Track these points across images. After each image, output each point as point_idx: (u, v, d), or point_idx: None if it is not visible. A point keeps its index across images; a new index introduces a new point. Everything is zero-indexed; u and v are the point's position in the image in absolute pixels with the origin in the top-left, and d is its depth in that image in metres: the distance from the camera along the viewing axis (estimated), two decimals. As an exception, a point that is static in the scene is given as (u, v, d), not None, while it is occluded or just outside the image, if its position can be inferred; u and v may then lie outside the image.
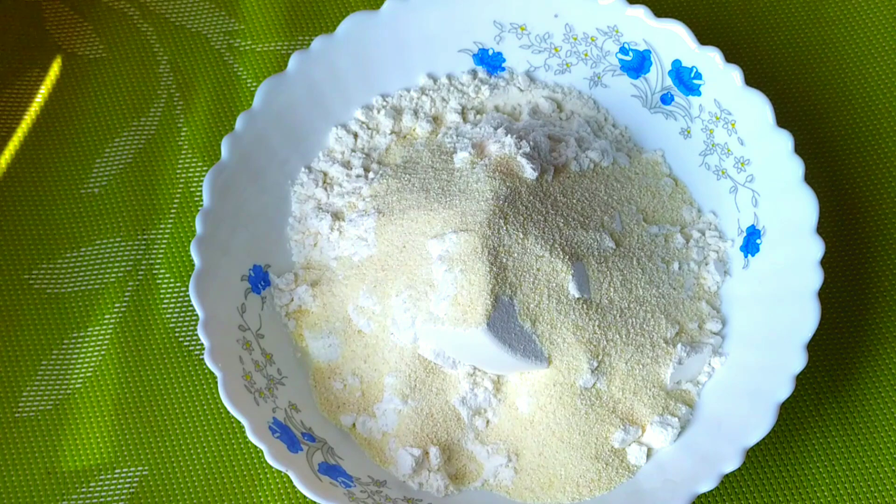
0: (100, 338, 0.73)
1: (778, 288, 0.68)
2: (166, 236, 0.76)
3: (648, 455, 0.67)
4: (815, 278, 0.67)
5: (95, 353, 0.72)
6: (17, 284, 0.74)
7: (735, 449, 0.63)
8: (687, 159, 0.74)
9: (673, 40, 0.74)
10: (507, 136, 0.70)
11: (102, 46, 0.82)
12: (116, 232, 0.76)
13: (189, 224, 0.76)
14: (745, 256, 0.71)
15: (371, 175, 0.73)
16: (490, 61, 0.77)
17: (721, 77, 0.73)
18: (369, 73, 0.76)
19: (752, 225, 0.71)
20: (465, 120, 0.76)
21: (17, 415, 0.71)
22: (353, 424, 0.68)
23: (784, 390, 0.64)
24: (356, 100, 0.76)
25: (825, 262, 0.67)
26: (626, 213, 0.71)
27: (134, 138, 0.79)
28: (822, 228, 0.70)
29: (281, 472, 0.68)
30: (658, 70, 0.75)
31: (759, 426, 0.63)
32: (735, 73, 0.72)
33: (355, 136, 0.75)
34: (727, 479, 0.69)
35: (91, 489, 0.69)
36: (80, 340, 0.73)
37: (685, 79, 0.74)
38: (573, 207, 0.69)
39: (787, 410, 0.70)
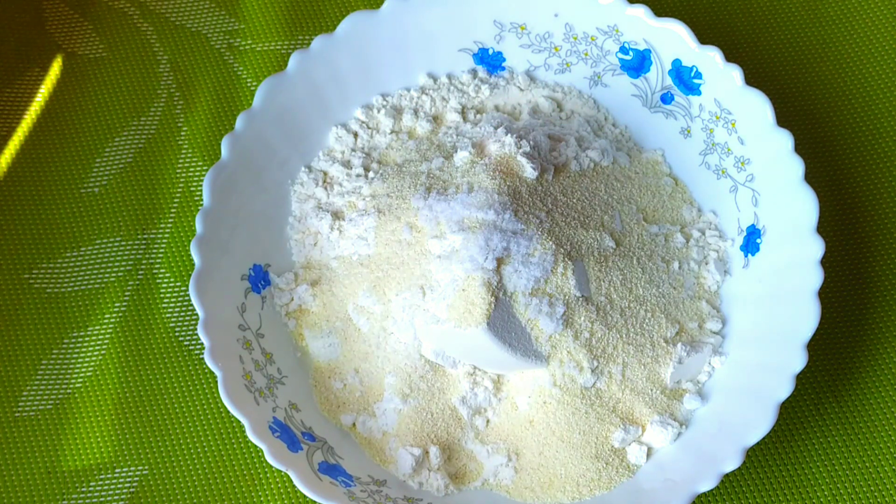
0: (100, 338, 0.73)
1: (778, 287, 0.68)
2: (166, 236, 0.76)
3: (648, 454, 0.67)
4: (815, 278, 0.66)
5: (95, 353, 0.72)
6: (17, 284, 0.74)
7: (735, 449, 0.63)
8: (687, 159, 0.74)
9: (673, 40, 0.74)
10: (507, 135, 0.70)
11: (102, 46, 0.82)
12: (116, 232, 0.76)
13: (189, 224, 0.76)
14: (746, 256, 0.71)
15: (371, 174, 0.73)
16: (490, 61, 0.77)
17: (721, 76, 0.73)
18: (369, 73, 0.76)
19: (753, 224, 0.71)
20: (465, 119, 0.76)
21: (17, 415, 0.71)
22: (354, 424, 0.68)
23: (784, 390, 0.64)
24: (356, 99, 0.76)
25: (825, 262, 0.67)
26: (626, 213, 0.71)
27: (134, 138, 0.79)
28: (822, 228, 0.70)
29: (281, 471, 0.68)
30: (658, 69, 0.75)
31: (759, 426, 0.63)
32: (735, 73, 0.72)
33: (355, 135, 0.75)
34: (727, 479, 0.69)
35: (91, 489, 0.69)
36: (80, 340, 0.73)
37: (685, 78, 0.74)
38: (573, 207, 0.69)
39: (787, 410, 0.70)
